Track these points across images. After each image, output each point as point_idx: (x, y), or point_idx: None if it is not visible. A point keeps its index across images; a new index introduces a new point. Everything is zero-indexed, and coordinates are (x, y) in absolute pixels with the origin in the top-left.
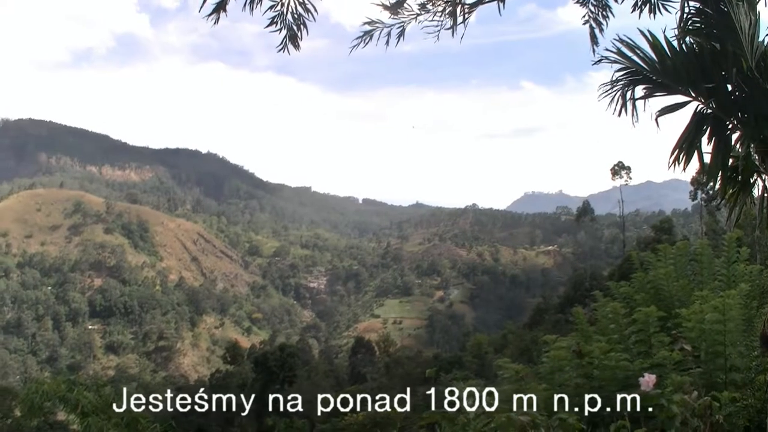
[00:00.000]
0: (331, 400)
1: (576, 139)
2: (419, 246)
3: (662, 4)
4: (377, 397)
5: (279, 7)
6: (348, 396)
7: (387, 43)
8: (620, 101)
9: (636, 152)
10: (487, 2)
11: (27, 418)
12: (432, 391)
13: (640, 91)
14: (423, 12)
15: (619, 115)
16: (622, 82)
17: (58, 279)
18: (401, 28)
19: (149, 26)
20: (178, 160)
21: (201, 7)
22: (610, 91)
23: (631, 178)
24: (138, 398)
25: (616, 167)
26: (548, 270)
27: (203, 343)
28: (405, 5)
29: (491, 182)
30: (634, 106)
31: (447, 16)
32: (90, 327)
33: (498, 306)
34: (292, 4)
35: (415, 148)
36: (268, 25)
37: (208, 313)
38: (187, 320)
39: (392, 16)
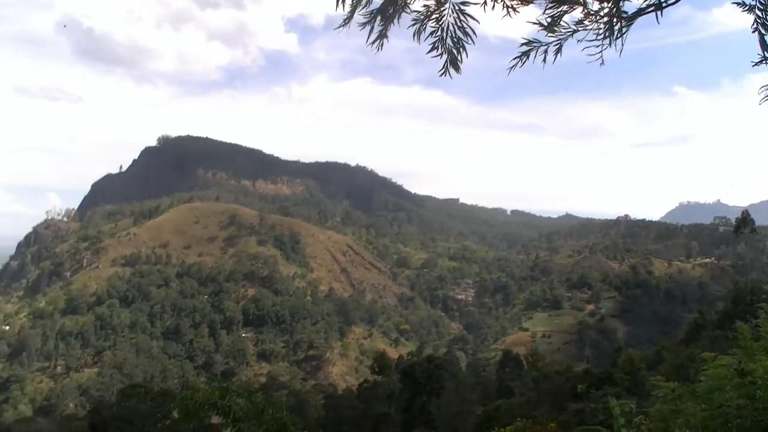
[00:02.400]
0: (479, 413)
1: (734, 146)
2: (569, 258)
3: None
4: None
5: (439, 33)
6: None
7: (544, 60)
8: None
9: None
10: (645, 14)
11: (183, 421)
12: (583, 407)
13: None
14: (579, 28)
15: None
16: None
17: (214, 288)
18: (558, 45)
19: (297, 44)
20: (328, 174)
21: (368, 36)
22: None
23: None
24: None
25: None
26: (705, 283)
27: (352, 353)
28: (562, 23)
29: (644, 192)
30: None
31: (605, 30)
32: (243, 335)
33: (651, 321)
34: (451, 28)
35: (566, 158)
36: (429, 51)
37: (356, 324)
38: (336, 330)
39: (549, 35)
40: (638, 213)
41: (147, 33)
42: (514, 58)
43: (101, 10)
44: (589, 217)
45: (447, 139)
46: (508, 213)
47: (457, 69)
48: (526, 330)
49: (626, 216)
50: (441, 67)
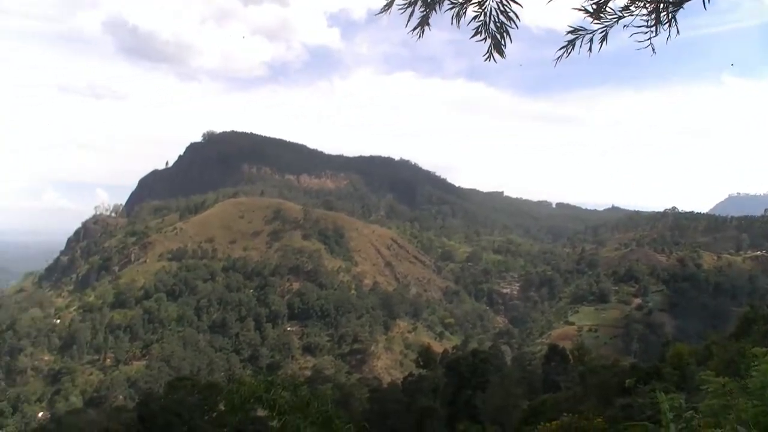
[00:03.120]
0: (525, 407)
1: None
2: (615, 251)
3: None
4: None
5: (482, 17)
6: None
7: (590, 49)
8: None
9: None
10: None
11: (229, 414)
12: (630, 402)
13: None
14: (625, 14)
15: None
16: None
17: (259, 282)
18: (604, 33)
19: (340, 39)
20: (372, 168)
21: (408, 21)
22: None
23: None
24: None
25: None
26: (756, 277)
27: (396, 346)
28: (607, 8)
29: (692, 184)
30: None
31: (651, 17)
32: (288, 329)
33: (700, 315)
34: (494, 13)
35: (612, 150)
36: (473, 36)
37: (401, 318)
38: (380, 324)
39: (594, 21)
40: (686, 205)
41: (191, 30)
42: (560, 48)
43: (146, 9)
44: (636, 209)
45: (491, 132)
46: (553, 206)
47: (501, 54)
48: (572, 324)
49: (674, 208)
50: (485, 52)
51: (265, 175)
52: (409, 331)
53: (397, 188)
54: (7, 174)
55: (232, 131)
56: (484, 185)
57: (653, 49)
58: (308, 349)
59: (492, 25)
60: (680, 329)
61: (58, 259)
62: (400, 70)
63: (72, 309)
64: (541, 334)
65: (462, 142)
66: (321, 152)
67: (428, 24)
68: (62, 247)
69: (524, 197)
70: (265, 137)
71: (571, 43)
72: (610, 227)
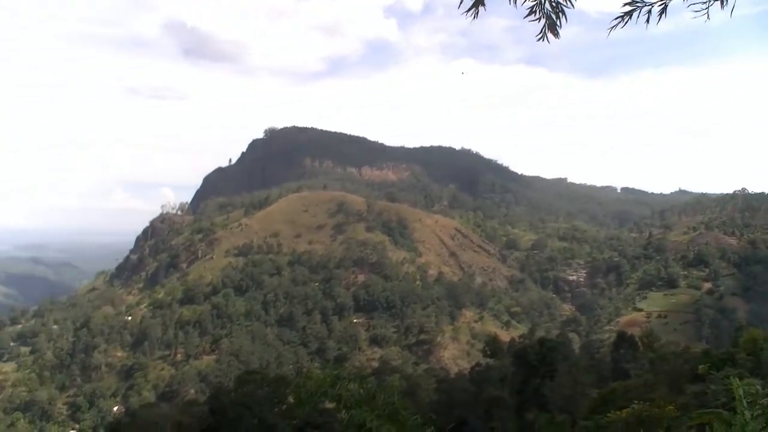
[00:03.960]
0: (594, 396)
1: None
2: (684, 235)
3: None
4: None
5: None
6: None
7: (647, 21)
8: None
9: None
10: None
11: (298, 407)
12: (703, 389)
13: None
14: None
15: None
16: None
17: (324, 275)
18: (663, 5)
19: (397, 30)
20: (433, 158)
21: (460, 3)
22: None
23: None
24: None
25: None
26: None
27: (463, 336)
28: None
29: (762, 164)
30: None
31: None
32: (355, 320)
33: None
34: None
35: (676, 133)
36: (527, 15)
37: (467, 307)
38: (446, 314)
39: None
40: (757, 186)
41: (249, 28)
42: (616, 18)
43: (203, 9)
44: (704, 192)
45: (552, 117)
46: (619, 191)
47: (555, 34)
48: (641, 310)
49: (743, 190)
50: (539, 32)
51: (327, 168)
52: (476, 321)
53: (459, 178)
54: (79, 176)
55: (293, 126)
56: (548, 172)
57: (708, 17)
58: (375, 341)
59: (547, 4)
60: (753, 313)
61: (127, 258)
62: (458, 59)
63: (142, 306)
64: (609, 321)
65: (524, 129)
66: (382, 144)
67: (483, 4)
68: (131, 246)
69: (588, 183)
70: (326, 131)
71: (629, 14)
72: (678, 211)
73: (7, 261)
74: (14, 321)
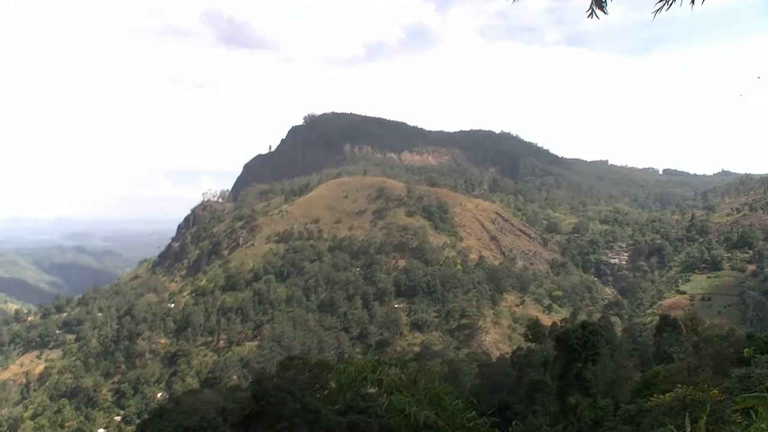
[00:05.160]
0: (637, 380)
1: None
2: (727, 217)
3: None
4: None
5: None
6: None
7: (692, 2)
8: None
9: None
10: None
11: (339, 393)
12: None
13: None
14: None
15: None
16: None
17: (365, 261)
18: None
19: (435, 13)
20: (473, 142)
21: None
22: None
23: None
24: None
25: None
26: None
27: (504, 320)
28: None
29: None
30: None
31: None
32: (396, 306)
33: None
34: None
35: (720, 112)
36: None
37: (508, 291)
38: (487, 298)
39: None
40: None
41: (285, 15)
42: (660, 1)
43: None
44: (747, 172)
45: (592, 99)
46: (660, 172)
47: (603, 10)
48: (684, 293)
49: None
50: (587, 8)
51: (367, 154)
52: (517, 305)
53: (500, 161)
54: (123, 166)
55: (332, 112)
56: (589, 154)
57: None
58: (416, 326)
59: None
60: None
61: (169, 246)
62: (497, 41)
63: (185, 293)
64: (652, 304)
65: (564, 111)
66: (421, 129)
67: None
68: (173, 234)
69: (629, 165)
70: (365, 116)
71: None
72: (721, 192)
73: (53, 250)
74: (60, 309)
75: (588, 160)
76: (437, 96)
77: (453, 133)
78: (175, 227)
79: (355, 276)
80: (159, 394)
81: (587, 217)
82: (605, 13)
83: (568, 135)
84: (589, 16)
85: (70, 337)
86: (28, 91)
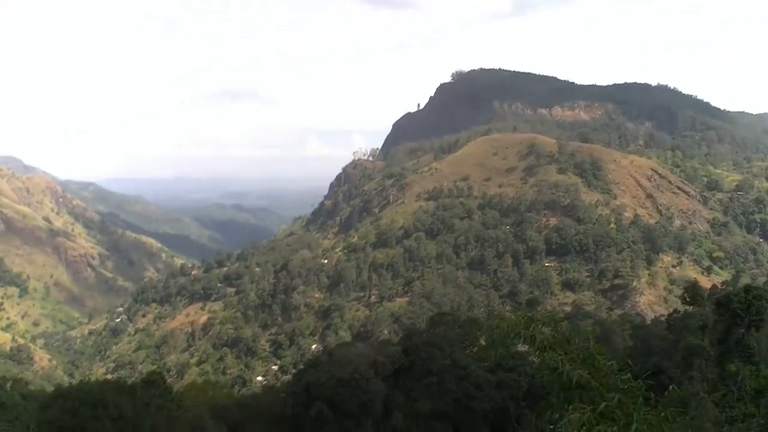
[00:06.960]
0: None
1: None
2: None
3: None
4: None
5: None
6: None
7: None
8: None
9: None
10: None
11: (490, 348)
12: None
13: None
14: None
15: None
16: None
17: (515, 219)
18: None
19: None
20: (628, 96)
21: None
22: None
23: None
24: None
25: None
26: None
27: (660, 281)
28: None
29: None
30: None
31: None
32: (547, 264)
33: None
34: None
35: None
36: None
37: (664, 252)
38: (642, 258)
39: None
40: None
41: None
42: None
43: None
44: None
45: (757, 46)
46: None
47: None
48: None
49: None
50: None
51: (517, 110)
52: (674, 266)
53: (656, 115)
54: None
55: (481, 69)
56: (754, 107)
57: None
58: (567, 285)
59: None
60: None
61: (322, 204)
62: None
63: (338, 250)
64: None
65: (725, 61)
66: (573, 83)
67: None
68: (326, 192)
69: None
70: (514, 72)
71: None
72: None
73: (213, 207)
74: (221, 264)
75: (753, 113)
76: (589, 48)
77: (606, 86)
78: (327, 186)
79: (505, 234)
80: (314, 346)
81: (752, 174)
82: None
83: (731, 86)
84: None
85: (231, 290)
86: (207, 57)
